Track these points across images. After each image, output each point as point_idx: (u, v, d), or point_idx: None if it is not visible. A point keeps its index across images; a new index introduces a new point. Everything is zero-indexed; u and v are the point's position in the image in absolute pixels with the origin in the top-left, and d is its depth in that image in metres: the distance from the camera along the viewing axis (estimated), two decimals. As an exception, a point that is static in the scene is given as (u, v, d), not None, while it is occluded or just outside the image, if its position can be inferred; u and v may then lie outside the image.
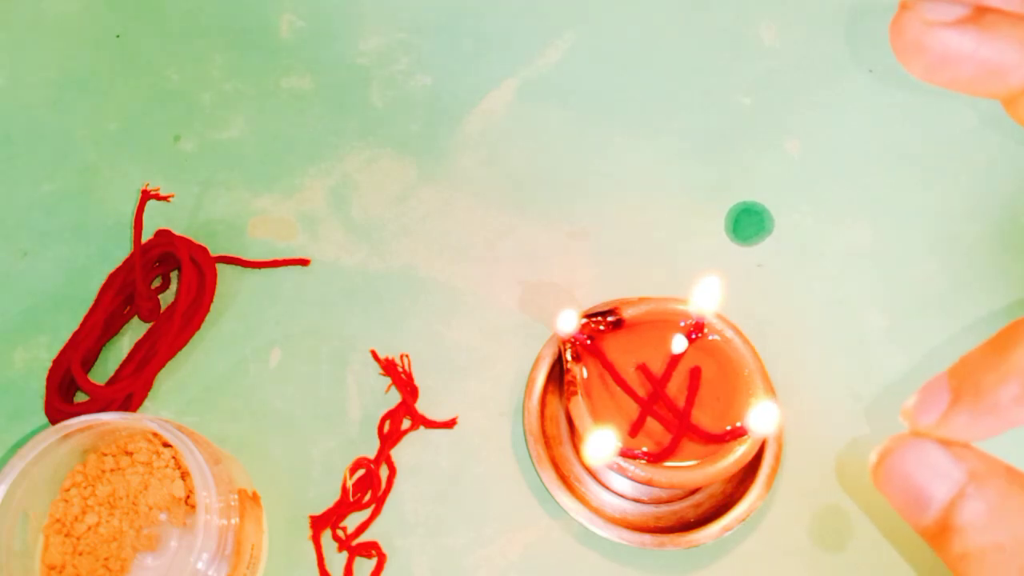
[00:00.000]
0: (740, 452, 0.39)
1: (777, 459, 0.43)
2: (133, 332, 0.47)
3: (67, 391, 0.45)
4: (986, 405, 0.17)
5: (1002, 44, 0.16)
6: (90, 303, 0.46)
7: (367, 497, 0.44)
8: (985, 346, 0.17)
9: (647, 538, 0.42)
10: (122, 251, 0.48)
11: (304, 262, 0.49)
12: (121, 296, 0.46)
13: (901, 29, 0.16)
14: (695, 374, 0.41)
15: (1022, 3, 0.17)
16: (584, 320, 0.41)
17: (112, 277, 0.47)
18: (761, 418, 0.38)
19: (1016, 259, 0.49)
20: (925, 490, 0.17)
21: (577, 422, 0.40)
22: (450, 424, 0.45)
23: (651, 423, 0.40)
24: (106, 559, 0.39)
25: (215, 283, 0.47)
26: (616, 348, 0.42)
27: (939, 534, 0.17)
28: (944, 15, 0.16)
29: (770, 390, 0.42)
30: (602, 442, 0.39)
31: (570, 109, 0.52)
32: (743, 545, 0.43)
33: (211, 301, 0.47)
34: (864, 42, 0.54)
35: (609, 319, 0.42)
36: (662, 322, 0.42)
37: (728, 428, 0.40)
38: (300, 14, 0.55)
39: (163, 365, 0.46)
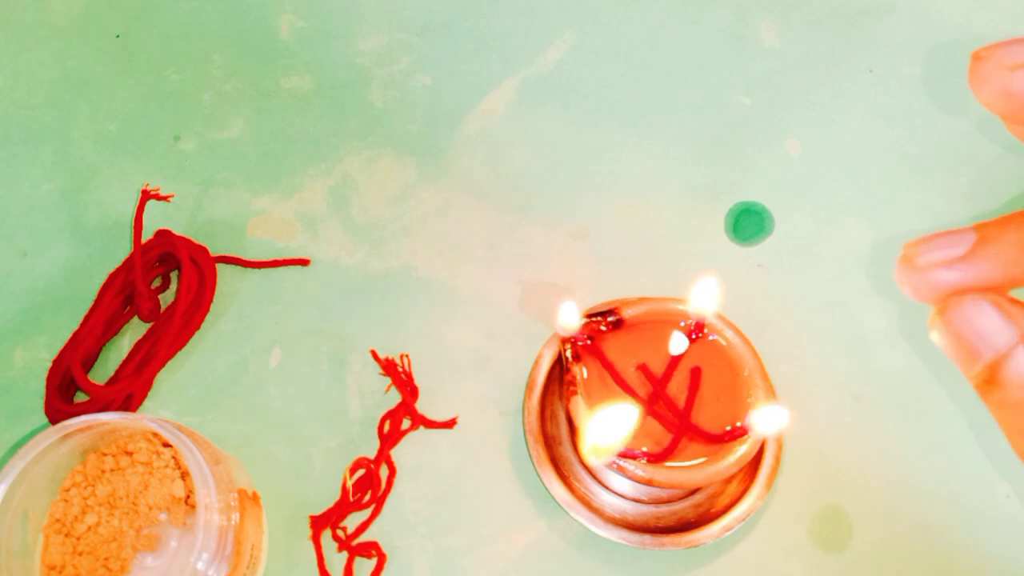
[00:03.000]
0: (740, 452, 0.39)
1: (777, 459, 0.43)
2: (133, 332, 0.47)
3: (67, 391, 0.45)
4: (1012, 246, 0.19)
5: None
6: (90, 303, 0.46)
7: (367, 497, 0.44)
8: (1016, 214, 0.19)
9: (647, 538, 0.42)
10: (122, 251, 0.48)
11: (304, 262, 0.49)
12: (121, 296, 0.46)
13: (981, 78, 0.19)
14: (695, 374, 0.41)
15: None
16: (584, 320, 0.41)
17: (112, 277, 0.47)
18: (765, 419, 0.38)
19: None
20: (978, 344, 0.19)
21: (577, 422, 0.40)
22: (450, 424, 0.45)
23: (651, 423, 0.40)
24: (106, 559, 0.39)
25: (215, 283, 0.47)
26: (616, 348, 0.42)
27: (986, 383, 0.19)
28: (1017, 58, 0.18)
29: (770, 390, 0.42)
30: (609, 435, 0.39)
31: (570, 109, 0.53)
32: (743, 545, 0.43)
33: (211, 301, 0.47)
34: (864, 42, 0.54)
35: (609, 319, 0.42)
36: (662, 322, 0.42)
37: (728, 428, 0.40)
38: (300, 14, 0.55)
39: (163, 365, 0.46)
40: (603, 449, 0.39)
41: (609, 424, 0.39)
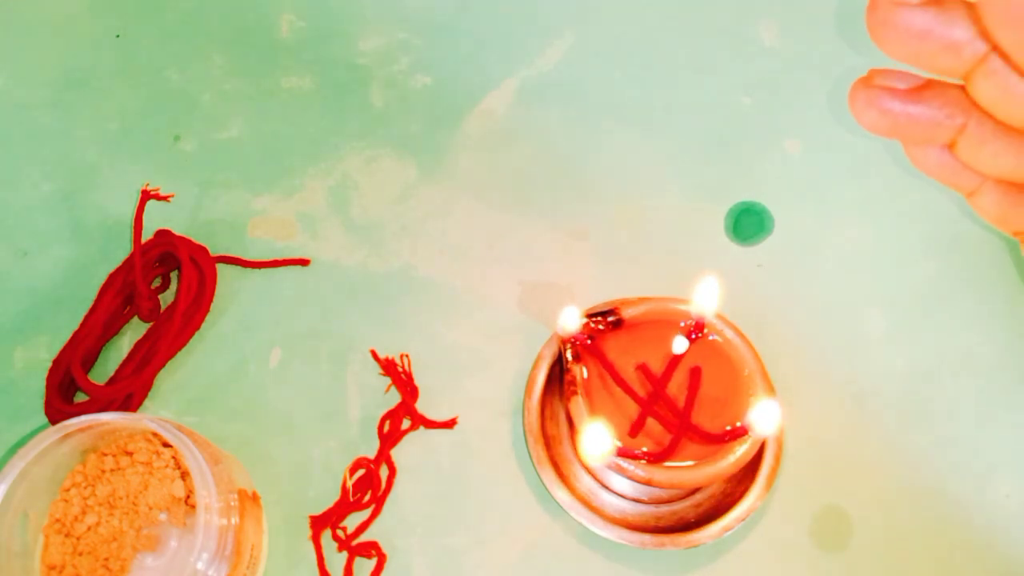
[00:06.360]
0: (740, 452, 0.39)
1: (777, 459, 0.43)
2: (133, 332, 0.47)
3: (67, 391, 0.45)
4: None
5: (957, 24, 0.19)
6: (90, 303, 0.46)
7: (367, 497, 0.44)
8: None
9: (647, 538, 0.42)
10: (122, 251, 0.48)
11: (304, 262, 0.49)
12: (121, 296, 0.46)
13: (875, 7, 0.19)
14: (695, 374, 0.41)
15: None
16: (584, 320, 0.41)
17: (112, 277, 0.47)
18: (762, 417, 0.38)
19: (1016, 259, 0.49)
20: (948, 36, 0.19)
21: (577, 422, 0.40)
22: (450, 424, 0.45)
23: (651, 423, 0.40)
24: (106, 559, 0.39)
25: (215, 283, 0.47)
26: (616, 348, 0.42)
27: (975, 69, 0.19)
28: None
29: (770, 390, 0.42)
30: (602, 442, 0.39)
31: (570, 109, 0.53)
32: (743, 545, 0.43)
33: (211, 301, 0.47)
34: (864, 42, 0.54)
35: (609, 319, 0.42)
36: (662, 322, 0.42)
37: (728, 428, 0.40)
38: (300, 14, 0.55)
39: (163, 365, 0.46)
40: (603, 450, 0.39)
41: (607, 427, 0.39)
